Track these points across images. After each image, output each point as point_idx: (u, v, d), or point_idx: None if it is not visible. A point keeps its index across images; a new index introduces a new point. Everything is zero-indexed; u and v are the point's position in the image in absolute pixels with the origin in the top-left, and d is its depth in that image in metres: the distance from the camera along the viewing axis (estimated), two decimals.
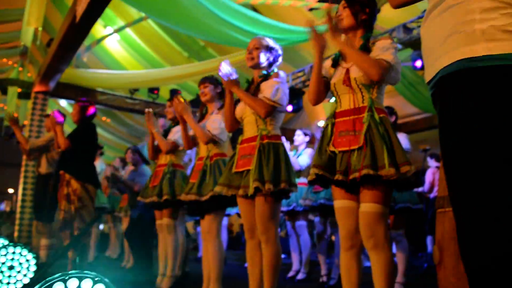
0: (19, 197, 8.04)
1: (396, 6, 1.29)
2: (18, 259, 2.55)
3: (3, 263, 2.50)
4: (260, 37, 2.93)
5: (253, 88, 2.87)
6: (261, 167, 2.61)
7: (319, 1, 6.83)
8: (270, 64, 2.91)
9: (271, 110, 2.68)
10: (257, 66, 2.88)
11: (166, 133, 4.13)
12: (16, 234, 7.78)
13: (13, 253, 2.54)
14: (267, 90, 2.72)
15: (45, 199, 5.13)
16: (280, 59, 2.95)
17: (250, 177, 2.60)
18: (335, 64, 2.34)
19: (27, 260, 2.59)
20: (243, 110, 2.84)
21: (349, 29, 2.30)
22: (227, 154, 3.40)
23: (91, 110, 4.42)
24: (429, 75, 1.18)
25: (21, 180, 8.01)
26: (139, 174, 5.62)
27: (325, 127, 2.26)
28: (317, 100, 2.36)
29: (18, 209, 7.97)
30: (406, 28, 6.06)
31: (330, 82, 2.32)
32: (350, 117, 2.16)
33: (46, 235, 5.26)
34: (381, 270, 2.04)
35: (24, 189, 7.97)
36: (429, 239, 6.71)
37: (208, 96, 3.48)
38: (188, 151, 4.76)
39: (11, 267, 2.55)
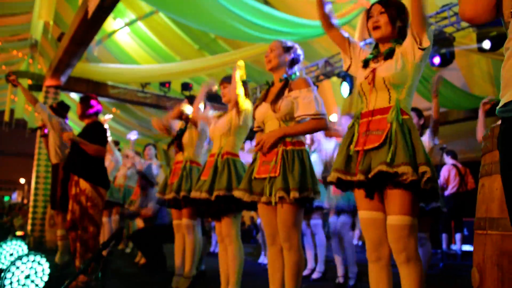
0: (32, 190, 8.07)
1: (469, 20, 1.31)
2: (35, 268, 2.50)
3: (22, 272, 2.47)
4: (278, 40, 2.87)
5: (274, 92, 2.80)
6: (285, 175, 2.56)
7: None
8: (291, 65, 2.85)
9: (326, 123, 2.64)
10: (274, 68, 2.83)
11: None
12: (29, 227, 7.82)
13: (33, 261, 2.51)
14: (309, 106, 2.63)
15: (57, 188, 5.10)
16: (301, 59, 2.89)
17: (274, 186, 2.56)
18: (366, 65, 2.27)
19: (43, 270, 2.54)
20: (265, 114, 2.78)
21: (384, 39, 2.22)
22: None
23: (97, 106, 4.28)
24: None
25: (34, 174, 8.03)
26: (149, 199, 5.63)
27: (350, 128, 2.22)
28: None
29: (31, 202, 8.00)
30: None
31: (357, 82, 2.28)
32: (376, 117, 2.11)
33: (60, 225, 5.20)
34: (414, 284, 1.98)
35: (36, 182, 8.00)
36: (443, 237, 6.66)
37: (227, 98, 3.42)
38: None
39: (27, 276, 2.51)
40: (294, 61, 2.86)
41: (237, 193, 2.78)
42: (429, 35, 2.06)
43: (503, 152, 1.18)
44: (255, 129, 2.98)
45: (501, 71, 1.23)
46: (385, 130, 2.02)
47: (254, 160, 2.79)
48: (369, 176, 1.99)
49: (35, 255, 2.53)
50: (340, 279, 4.33)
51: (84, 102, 4.26)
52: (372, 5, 2.26)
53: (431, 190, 2.01)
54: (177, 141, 4.09)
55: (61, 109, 5.35)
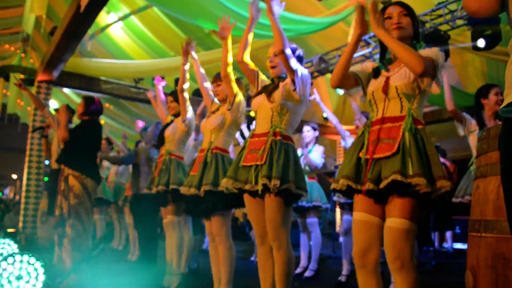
0: (24, 187, 7.98)
1: (472, 13, 1.31)
2: (26, 268, 2.45)
3: (10, 273, 2.42)
4: None
5: (270, 88, 2.78)
6: (271, 164, 2.55)
7: None
8: None
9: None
10: (280, 76, 2.82)
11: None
12: (20, 224, 7.73)
13: (21, 261, 2.45)
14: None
15: (55, 194, 5.07)
16: (302, 59, 2.85)
17: (260, 174, 2.55)
18: (376, 74, 2.21)
19: (35, 269, 2.49)
20: (259, 103, 2.78)
21: (403, 39, 2.12)
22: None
23: (97, 106, 4.34)
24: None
25: (25, 170, 7.94)
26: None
27: (360, 136, 2.17)
28: (339, 83, 2.22)
29: (23, 199, 7.90)
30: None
31: (368, 90, 2.21)
32: (387, 125, 2.06)
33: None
34: None
35: (28, 179, 7.90)
36: (435, 235, 6.67)
37: (221, 96, 3.39)
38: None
39: (19, 277, 2.46)
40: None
41: (223, 181, 2.76)
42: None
43: (504, 152, 1.16)
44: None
45: (506, 71, 1.21)
46: (398, 139, 1.97)
47: (243, 148, 2.78)
48: (381, 186, 1.93)
49: (27, 255, 2.47)
50: (343, 278, 4.33)
51: (88, 102, 4.34)
52: (388, 5, 2.18)
53: (439, 199, 1.97)
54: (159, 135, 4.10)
55: (69, 113, 5.30)
